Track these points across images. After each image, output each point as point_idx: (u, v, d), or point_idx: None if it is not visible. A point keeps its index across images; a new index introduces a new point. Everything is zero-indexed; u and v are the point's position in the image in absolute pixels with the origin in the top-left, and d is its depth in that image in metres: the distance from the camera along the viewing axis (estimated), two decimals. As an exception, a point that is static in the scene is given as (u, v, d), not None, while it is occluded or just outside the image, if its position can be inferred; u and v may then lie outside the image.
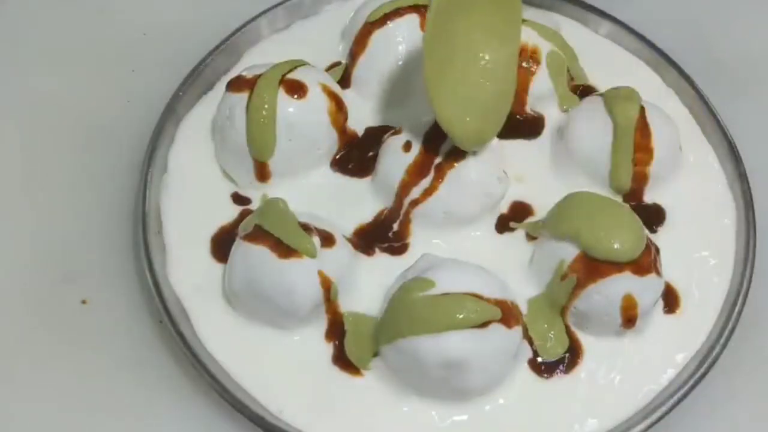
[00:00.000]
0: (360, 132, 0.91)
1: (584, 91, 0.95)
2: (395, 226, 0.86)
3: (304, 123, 0.85)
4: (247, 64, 0.93)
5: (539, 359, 0.80)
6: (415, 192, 0.84)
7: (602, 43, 1.01)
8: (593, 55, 0.97)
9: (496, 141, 0.85)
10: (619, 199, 0.87)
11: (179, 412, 0.81)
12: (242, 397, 0.77)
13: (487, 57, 0.79)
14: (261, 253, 0.77)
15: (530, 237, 0.85)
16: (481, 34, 0.78)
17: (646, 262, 0.78)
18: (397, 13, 0.92)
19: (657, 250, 0.81)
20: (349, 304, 0.81)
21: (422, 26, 0.92)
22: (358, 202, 0.87)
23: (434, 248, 0.83)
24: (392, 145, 0.86)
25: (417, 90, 0.94)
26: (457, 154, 0.83)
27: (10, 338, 0.84)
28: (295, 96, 0.85)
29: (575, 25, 1.01)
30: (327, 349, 0.80)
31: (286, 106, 0.84)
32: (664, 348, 0.82)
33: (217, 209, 0.87)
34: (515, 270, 0.83)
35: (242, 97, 0.85)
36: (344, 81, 0.94)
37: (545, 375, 0.79)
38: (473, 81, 0.80)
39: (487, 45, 0.78)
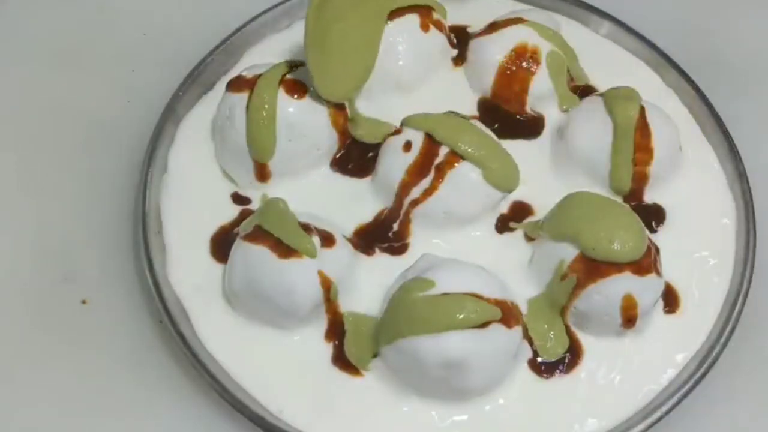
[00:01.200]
0: (360, 132, 0.92)
1: (584, 91, 0.95)
2: (395, 226, 0.86)
3: (304, 123, 0.85)
4: (247, 64, 0.93)
5: (539, 359, 0.80)
6: (415, 192, 0.84)
7: (602, 43, 1.01)
8: (593, 55, 0.97)
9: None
10: (619, 199, 0.87)
11: (179, 412, 0.81)
12: (242, 397, 0.77)
13: (356, 35, 0.88)
14: (261, 253, 0.77)
15: (529, 238, 0.85)
16: (352, 20, 0.88)
17: (646, 263, 0.78)
18: (397, 13, 0.92)
19: (657, 250, 0.81)
20: (349, 304, 0.81)
21: (422, 26, 0.93)
22: (358, 202, 0.87)
23: (434, 248, 0.83)
24: (392, 145, 0.86)
25: (417, 90, 0.94)
26: (457, 155, 0.83)
27: (10, 338, 0.84)
28: (295, 96, 0.85)
29: (575, 25, 1.01)
30: (327, 349, 0.80)
31: (286, 106, 0.84)
32: (664, 348, 0.82)
33: (217, 209, 0.87)
34: (515, 270, 0.83)
35: (242, 97, 0.85)
36: (344, 81, 0.94)
37: (545, 375, 0.79)
38: (343, 53, 0.87)
39: (355, 26, 0.88)
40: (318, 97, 0.86)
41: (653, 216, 0.88)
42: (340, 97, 0.87)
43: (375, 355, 0.78)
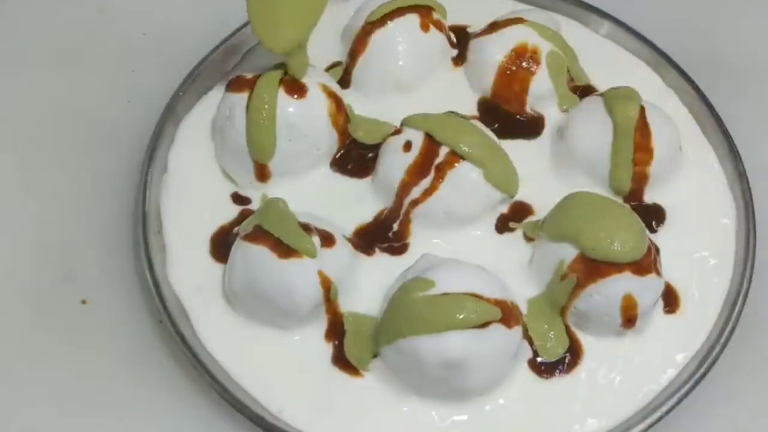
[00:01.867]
0: (360, 132, 0.91)
1: (584, 91, 0.95)
2: (395, 226, 0.85)
3: (304, 123, 0.85)
4: (247, 64, 0.93)
5: (539, 359, 0.80)
6: (415, 192, 0.84)
7: (602, 43, 1.00)
8: (593, 55, 0.97)
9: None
10: (619, 199, 0.87)
11: (179, 412, 0.81)
12: (242, 397, 0.77)
13: None
14: (261, 253, 0.77)
15: (528, 238, 0.85)
16: None
17: (646, 263, 0.78)
18: (397, 13, 0.92)
19: (657, 250, 0.81)
20: (349, 304, 0.81)
21: (422, 26, 0.93)
22: (358, 202, 0.87)
23: (434, 248, 0.83)
24: (392, 145, 0.86)
25: (417, 90, 0.94)
26: (458, 155, 0.83)
27: (10, 338, 0.84)
28: (295, 96, 0.85)
29: (575, 25, 1.01)
30: (327, 350, 0.80)
31: (286, 106, 0.84)
32: (664, 348, 0.82)
33: (217, 209, 0.87)
34: (515, 270, 0.83)
35: (242, 97, 0.85)
36: (344, 81, 0.94)
37: (545, 375, 0.79)
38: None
39: None
40: (318, 97, 0.86)
41: (653, 216, 0.88)
42: (287, 48, 0.84)
43: (375, 356, 0.78)
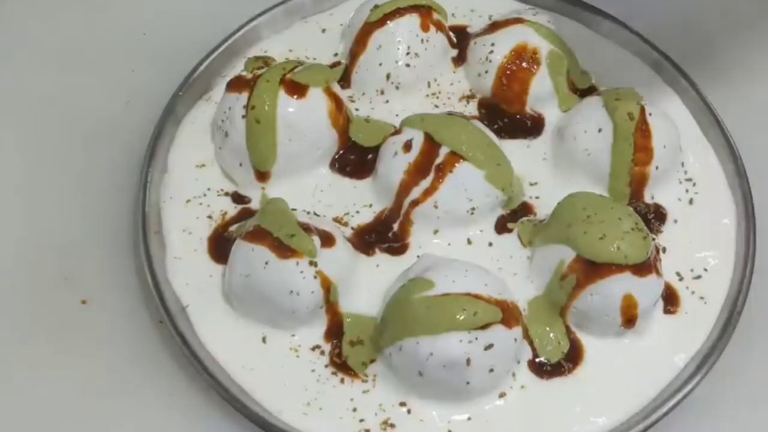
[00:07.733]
0: (360, 132, 0.91)
1: (584, 91, 0.95)
2: (395, 227, 0.86)
3: (304, 123, 0.85)
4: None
5: (539, 359, 0.80)
6: (415, 192, 0.84)
7: (602, 43, 1.00)
8: (593, 55, 0.97)
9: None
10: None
11: (179, 412, 0.81)
12: (242, 397, 0.77)
13: None
14: (261, 253, 0.77)
15: (523, 243, 0.85)
16: None
17: (647, 263, 0.78)
18: (397, 13, 0.92)
19: (657, 250, 0.81)
20: (349, 304, 0.81)
21: (422, 26, 0.93)
22: (358, 202, 0.87)
23: (434, 248, 0.83)
24: (392, 146, 0.86)
25: (417, 90, 0.94)
26: (457, 155, 0.83)
27: (9, 338, 0.84)
28: (296, 96, 0.85)
29: (575, 25, 1.01)
30: (327, 350, 0.80)
31: (286, 106, 0.84)
32: (664, 348, 0.82)
33: (217, 209, 0.87)
34: (515, 270, 0.83)
35: (242, 97, 0.85)
36: (344, 81, 0.94)
37: (545, 375, 0.79)
38: None
39: None
40: (318, 97, 0.86)
41: (653, 216, 0.88)
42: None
43: (373, 360, 0.78)
